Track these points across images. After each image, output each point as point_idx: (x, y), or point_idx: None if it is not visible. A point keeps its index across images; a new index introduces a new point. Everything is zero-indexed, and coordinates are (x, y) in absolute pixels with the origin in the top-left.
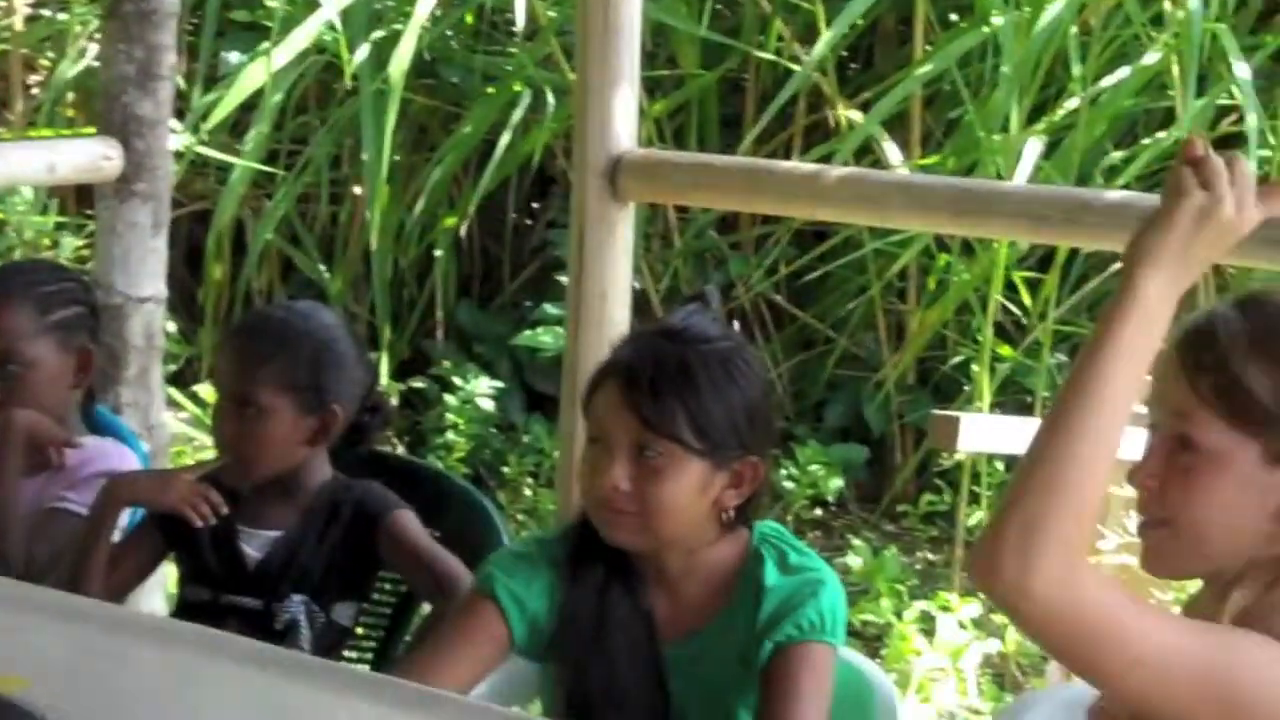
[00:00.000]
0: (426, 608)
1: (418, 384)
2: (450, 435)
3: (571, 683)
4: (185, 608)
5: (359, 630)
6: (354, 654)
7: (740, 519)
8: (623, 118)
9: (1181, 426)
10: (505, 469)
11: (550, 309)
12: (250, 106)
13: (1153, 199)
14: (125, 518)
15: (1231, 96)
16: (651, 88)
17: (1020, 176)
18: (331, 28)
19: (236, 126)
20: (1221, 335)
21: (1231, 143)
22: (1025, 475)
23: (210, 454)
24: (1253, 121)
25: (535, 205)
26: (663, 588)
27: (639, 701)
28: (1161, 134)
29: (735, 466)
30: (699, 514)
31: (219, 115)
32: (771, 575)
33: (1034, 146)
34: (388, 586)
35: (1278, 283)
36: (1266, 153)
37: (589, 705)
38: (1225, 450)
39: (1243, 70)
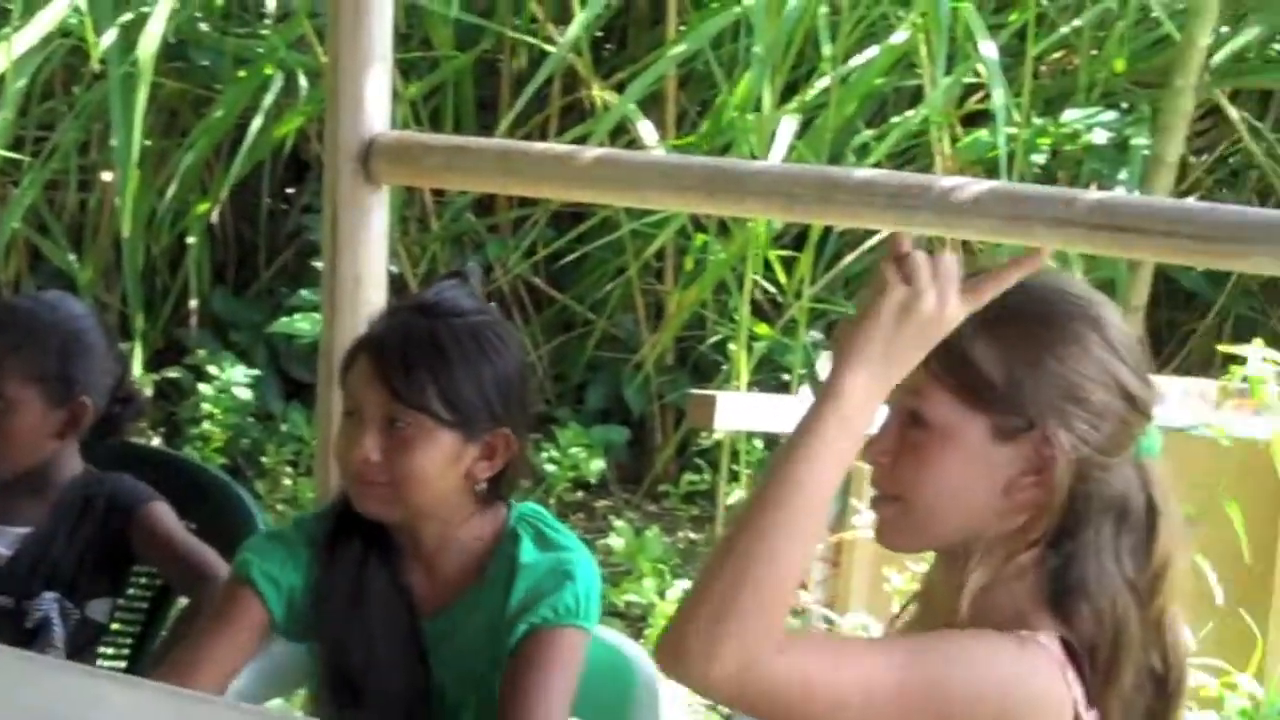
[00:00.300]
0: (183, 601)
1: (172, 374)
2: (206, 425)
3: (331, 659)
4: None
5: (114, 626)
6: (110, 650)
7: (496, 494)
8: (375, 100)
9: (912, 402)
10: (264, 458)
11: (307, 295)
12: None
13: (902, 176)
14: None
15: (978, 74)
16: (406, 70)
17: (774, 156)
18: (76, 10)
19: None
20: None
21: (979, 120)
22: (716, 567)
23: None
24: (999, 98)
25: (290, 190)
26: (420, 563)
27: (399, 677)
28: (911, 112)
29: (487, 439)
30: (450, 485)
31: None
32: (527, 553)
33: (787, 126)
34: (143, 580)
35: (991, 262)
36: (1013, 130)
37: (350, 682)
38: (954, 426)
39: (988, 49)
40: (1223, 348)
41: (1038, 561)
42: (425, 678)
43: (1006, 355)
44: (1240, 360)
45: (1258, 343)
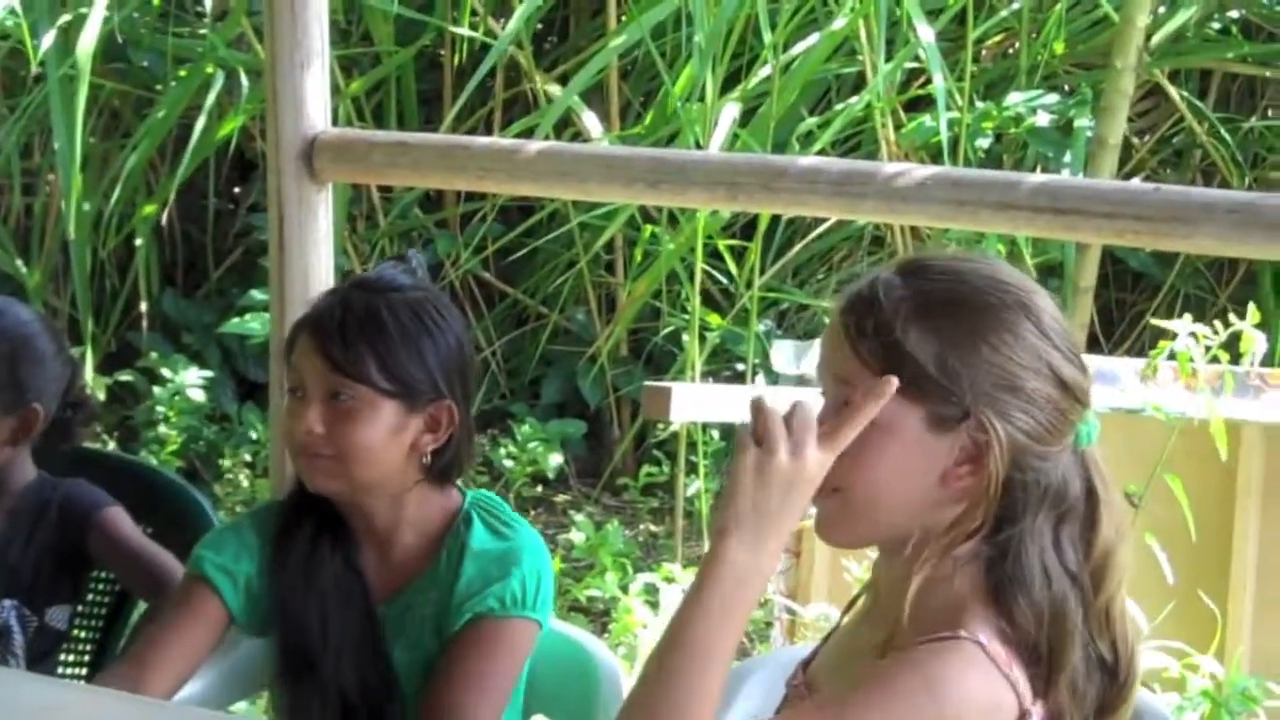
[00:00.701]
0: (143, 606)
1: (125, 377)
2: (162, 428)
3: (286, 644)
4: None
5: (74, 632)
6: (71, 657)
7: (444, 473)
8: (315, 97)
9: (846, 393)
10: (221, 460)
11: (257, 295)
12: None
13: (846, 163)
14: None
15: (919, 59)
16: (348, 66)
17: (717, 145)
18: (13, 12)
19: None
20: (884, 301)
21: (923, 105)
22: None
23: None
24: (939, 83)
25: (237, 190)
26: (373, 547)
27: (354, 660)
28: (854, 99)
29: (430, 410)
30: (395, 457)
31: None
32: (478, 539)
33: (730, 115)
34: (101, 586)
35: (939, 247)
36: (955, 114)
37: (306, 666)
38: (890, 416)
39: (926, 33)
40: (1156, 322)
41: (976, 554)
42: (381, 661)
43: (940, 344)
44: (1172, 335)
45: (1187, 318)
